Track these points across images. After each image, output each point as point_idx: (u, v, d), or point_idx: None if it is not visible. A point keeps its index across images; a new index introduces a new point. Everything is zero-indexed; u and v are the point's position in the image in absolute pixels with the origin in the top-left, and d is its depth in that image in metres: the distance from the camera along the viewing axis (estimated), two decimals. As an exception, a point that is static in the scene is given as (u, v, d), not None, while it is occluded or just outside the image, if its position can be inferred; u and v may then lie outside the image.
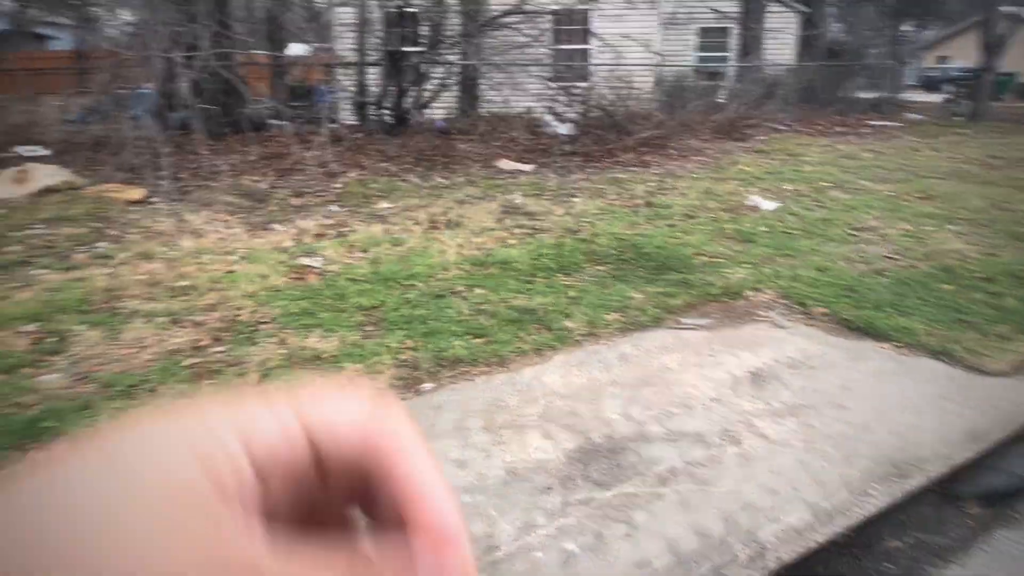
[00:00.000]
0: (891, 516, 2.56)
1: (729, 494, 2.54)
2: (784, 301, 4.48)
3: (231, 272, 4.72)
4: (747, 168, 8.99)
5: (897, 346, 3.83)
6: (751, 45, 16.42)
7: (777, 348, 3.80)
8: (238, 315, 4.03)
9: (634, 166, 9.28)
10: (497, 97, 11.80)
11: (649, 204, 7.04)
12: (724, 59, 17.01)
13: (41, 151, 9.23)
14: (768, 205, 6.96)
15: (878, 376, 3.50)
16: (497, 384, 3.42)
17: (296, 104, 10.60)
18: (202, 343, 3.68)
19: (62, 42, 21.27)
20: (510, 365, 3.62)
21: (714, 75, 15.94)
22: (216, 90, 7.98)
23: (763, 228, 6.14)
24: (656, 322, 4.16)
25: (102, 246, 5.30)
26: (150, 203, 6.51)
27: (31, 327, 3.81)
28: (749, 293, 4.58)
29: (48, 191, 6.53)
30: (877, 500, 2.56)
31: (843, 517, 2.47)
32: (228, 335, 3.78)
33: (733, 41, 17.18)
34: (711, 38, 17.30)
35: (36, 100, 12.67)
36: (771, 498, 2.52)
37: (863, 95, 17.87)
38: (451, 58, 10.87)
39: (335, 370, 3.41)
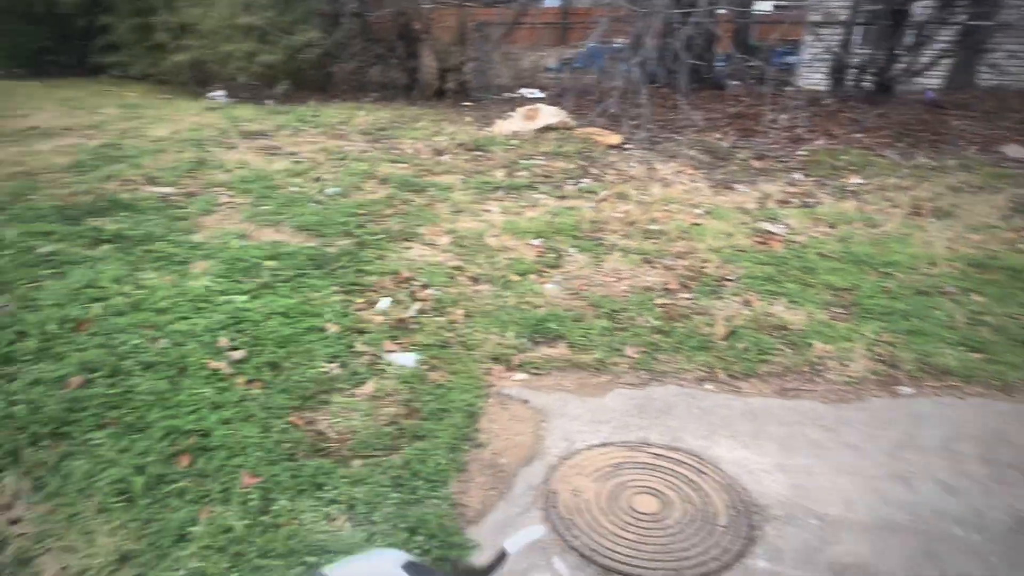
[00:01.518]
0: None
1: None
2: None
3: (697, 225, 4.89)
4: None
5: None
6: None
7: None
8: (704, 267, 4.16)
9: None
10: (1011, 67, 9.63)
11: None
12: None
13: (538, 93, 10.87)
14: None
15: None
16: (998, 412, 2.87)
17: (755, 64, 10.30)
18: (671, 286, 3.92)
19: (551, 0, 24.62)
20: (1016, 394, 3.01)
21: None
22: (700, 47, 8.20)
23: None
24: None
25: (586, 182, 6.01)
26: (625, 149, 7.12)
27: (536, 242, 4.55)
28: None
29: (547, 129, 7.65)
30: None
31: None
32: (695, 284, 3.94)
33: None
34: None
35: (538, 50, 14.91)
36: None
37: None
38: (963, 19, 9.17)
39: (803, 344, 3.28)
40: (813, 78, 11.51)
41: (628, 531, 2.18)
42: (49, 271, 3.64)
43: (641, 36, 7.86)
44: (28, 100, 9.45)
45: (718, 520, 2.24)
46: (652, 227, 4.84)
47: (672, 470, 2.47)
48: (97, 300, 3.29)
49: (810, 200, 5.56)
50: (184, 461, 2.29)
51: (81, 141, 6.83)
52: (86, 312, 3.17)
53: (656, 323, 3.46)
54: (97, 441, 2.35)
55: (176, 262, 3.86)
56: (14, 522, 2.06)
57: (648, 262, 4.26)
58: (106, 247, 4.06)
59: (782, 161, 6.83)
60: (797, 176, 6.29)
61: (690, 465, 2.50)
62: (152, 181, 5.53)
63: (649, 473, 2.45)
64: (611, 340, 3.30)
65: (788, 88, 10.54)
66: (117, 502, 2.11)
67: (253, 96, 10.19)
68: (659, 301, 3.72)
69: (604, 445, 2.61)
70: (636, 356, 3.18)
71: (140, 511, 2.08)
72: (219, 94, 10.35)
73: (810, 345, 3.27)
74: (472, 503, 2.27)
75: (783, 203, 5.48)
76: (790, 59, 13.15)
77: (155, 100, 9.95)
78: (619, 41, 10.38)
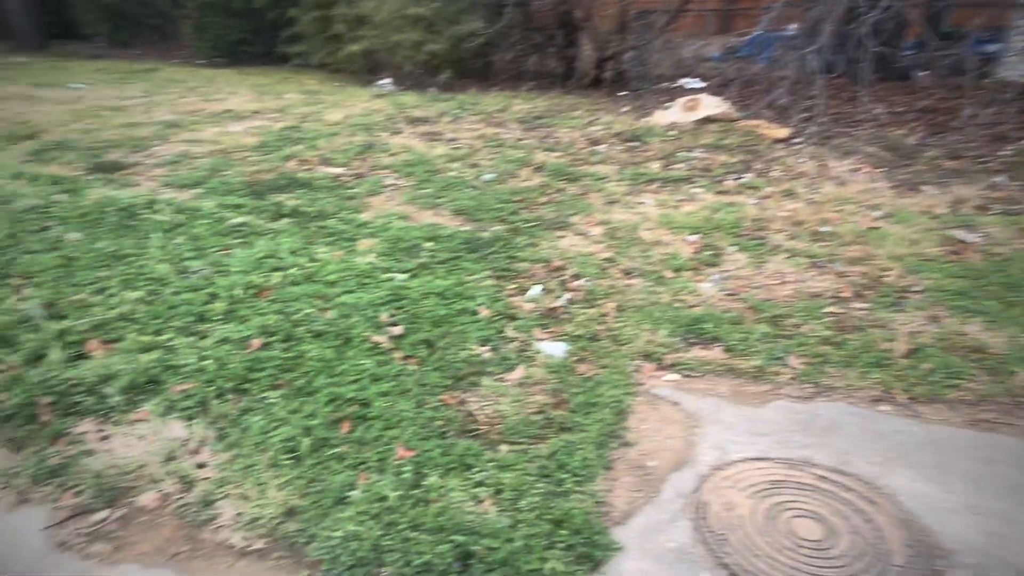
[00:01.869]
0: None
1: None
2: None
3: (875, 228, 4.45)
4: None
5: None
6: None
7: None
8: (883, 276, 3.78)
9: None
10: None
11: None
12: None
13: (699, 83, 10.43)
14: None
15: None
16: None
17: (950, 53, 9.18)
18: (843, 294, 3.59)
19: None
20: None
21: None
22: (888, 32, 7.45)
23: None
24: None
25: (748, 177, 5.67)
26: (793, 143, 6.64)
27: (693, 237, 4.36)
28: None
29: (707, 120, 7.31)
30: None
31: None
32: (871, 293, 3.59)
33: None
34: None
35: (700, 38, 14.31)
36: None
37: None
38: None
39: (1003, 371, 2.88)
40: (1021, 68, 10.10)
41: (786, 555, 2.02)
42: (238, 240, 4.02)
43: (821, 21, 7.26)
44: (225, 86, 10.51)
45: (892, 559, 2.01)
46: (822, 229, 4.47)
47: (839, 496, 2.26)
48: (276, 270, 3.58)
49: (1016, 207, 4.87)
50: (345, 428, 2.42)
51: (267, 123, 7.48)
52: (267, 280, 3.45)
53: (825, 333, 3.18)
54: (272, 400, 2.55)
55: (345, 238, 4.11)
56: (200, 466, 2.28)
57: (816, 266, 3.94)
58: (285, 221, 4.40)
59: (981, 162, 6.05)
60: (999, 179, 5.54)
61: (860, 493, 2.27)
62: (326, 162, 5.93)
63: (812, 496, 2.26)
64: (772, 347, 3.08)
65: (988, 80, 9.33)
66: (287, 459, 2.27)
67: (417, 84, 10.63)
68: (829, 309, 3.42)
69: (761, 459, 2.44)
70: (800, 367, 2.95)
71: (306, 470, 2.22)
72: (386, 82, 10.90)
73: (1012, 373, 2.86)
74: (618, 503, 2.21)
75: (981, 209, 4.85)
76: (990, 47, 11.64)
77: (330, 87, 10.68)
78: (791, 27, 9.69)
